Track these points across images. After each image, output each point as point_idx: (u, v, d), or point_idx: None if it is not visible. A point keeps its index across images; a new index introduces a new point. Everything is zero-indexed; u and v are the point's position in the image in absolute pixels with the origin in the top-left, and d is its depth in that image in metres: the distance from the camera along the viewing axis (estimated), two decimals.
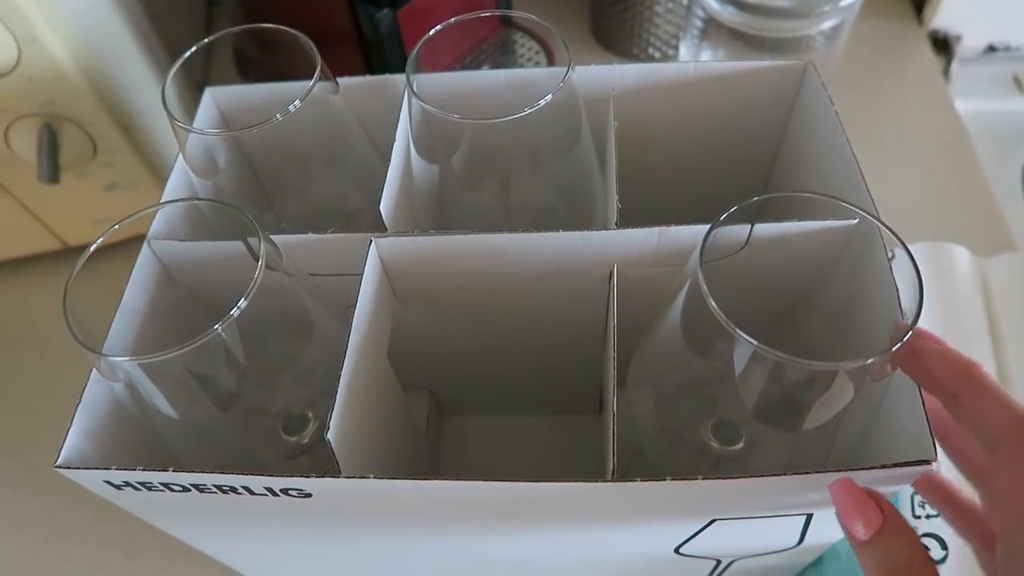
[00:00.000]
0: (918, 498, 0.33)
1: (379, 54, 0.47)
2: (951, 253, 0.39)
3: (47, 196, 0.48)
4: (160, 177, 0.49)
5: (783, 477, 0.23)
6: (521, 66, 0.51)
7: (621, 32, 0.59)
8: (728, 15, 0.47)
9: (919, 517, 0.32)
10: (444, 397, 0.43)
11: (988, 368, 0.36)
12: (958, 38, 0.65)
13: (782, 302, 0.34)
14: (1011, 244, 0.50)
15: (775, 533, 0.29)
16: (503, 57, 0.50)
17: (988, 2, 0.63)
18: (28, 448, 0.47)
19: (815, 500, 0.26)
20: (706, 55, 0.52)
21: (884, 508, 0.22)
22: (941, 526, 0.32)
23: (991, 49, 0.65)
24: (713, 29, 0.50)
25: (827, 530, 0.30)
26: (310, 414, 0.33)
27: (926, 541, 0.32)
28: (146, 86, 0.49)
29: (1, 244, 0.52)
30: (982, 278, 0.39)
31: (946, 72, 0.64)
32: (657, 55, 0.60)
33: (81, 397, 0.27)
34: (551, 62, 0.53)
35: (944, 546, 0.31)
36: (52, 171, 0.44)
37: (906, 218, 0.51)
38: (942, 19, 0.64)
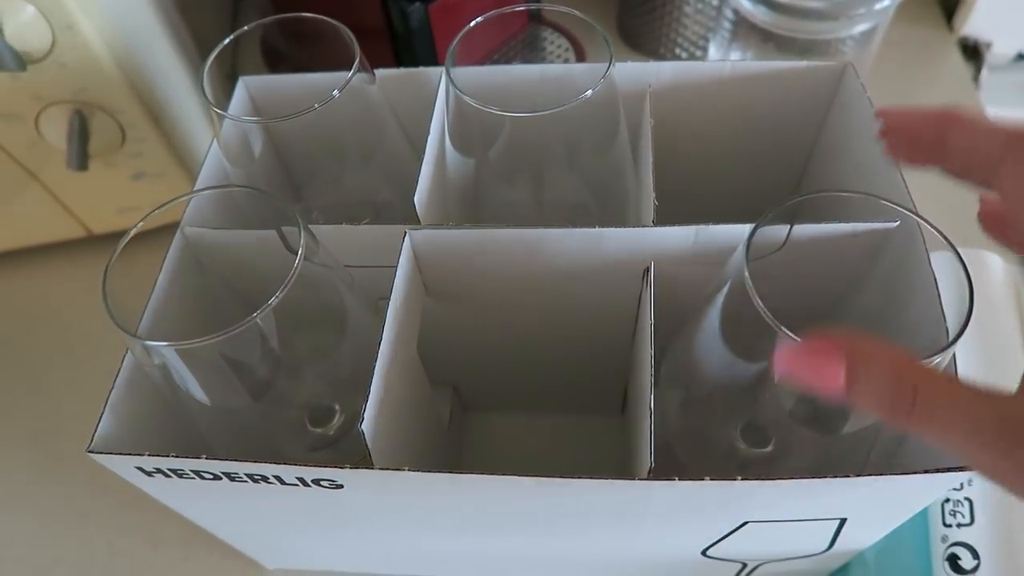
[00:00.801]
0: (948, 506, 0.33)
1: (409, 49, 0.47)
2: (984, 260, 0.38)
3: (74, 184, 0.48)
4: (187, 168, 0.49)
5: (825, 480, 0.23)
6: (552, 63, 0.51)
7: (649, 32, 0.59)
8: (760, 15, 0.47)
9: (949, 526, 0.32)
10: (467, 393, 0.43)
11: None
12: (988, 45, 0.64)
13: (820, 304, 0.34)
14: None
15: (806, 537, 0.29)
16: (532, 54, 0.50)
17: (1019, 10, 0.63)
18: (51, 434, 0.47)
19: (853, 504, 0.25)
20: (735, 56, 0.51)
21: (843, 351, 0.18)
22: (973, 536, 0.31)
23: (1021, 57, 0.65)
24: (743, 30, 0.50)
25: (859, 536, 0.30)
26: (337, 407, 0.33)
27: (957, 551, 0.31)
28: (176, 77, 0.49)
29: (28, 230, 0.52)
30: (1015, 286, 0.38)
31: (976, 79, 0.63)
32: (684, 56, 0.59)
33: (114, 383, 0.27)
34: (580, 59, 0.53)
35: (976, 555, 0.31)
36: (81, 158, 0.44)
37: (937, 225, 0.50)
38: (972, 26, 0.64)
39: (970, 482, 0.33)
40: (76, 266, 0.54)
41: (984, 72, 0.63)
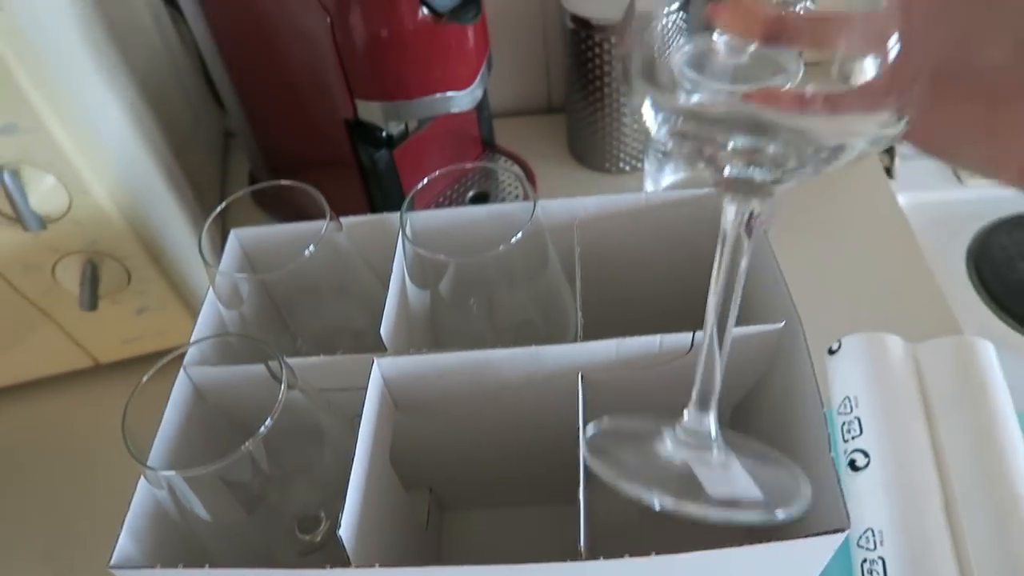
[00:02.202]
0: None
1: (378, 185, 0.54)
2: (884, 342, 0.44)
3: (84, 320, 0.54)
4: (185, 299, 0.55)
5: (727, 550, 0.27)
6: (502, 194, 0.58)
7: (594, 150, 0.66)
8: None
9: (847, 440, 0.37)
10: (443, 494, 0.47)
11: (925, 446, 0.40)
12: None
13: (734, 396, 0.39)
14: (956, 327, 0.55)
15: None
16: (487, 182, 0.57)
17: None
18: (64, 553, 0.50)
19: (760, 571, 0.30)
20: (668, 169, 0.59)
21: None
22: (865, 444, 0.37)
23: None
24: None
25: None
26: (323, 514, 0.37)
27: (855, 457, 0.37)
28: (175, 223, 0.56)
29: (41, 363, 0.57)
30: (915, 362, 0.44)
31: (889, 169, 0.70)
32: (627, 168, 0.66)
33: (130, 504, 0.31)
34: (531, 180, 0.60)
35: (867, 455, 0.36)
36: (92, 300, 0.50)
37: (855, 309, 0.56)
38: None
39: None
40: (84, 394, 0.59)
41: (897, 162, 0.71)
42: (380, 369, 0.35)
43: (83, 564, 0.48)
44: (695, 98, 0.22)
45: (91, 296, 0.50)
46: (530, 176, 0.60)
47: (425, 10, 0.45)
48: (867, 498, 0.39)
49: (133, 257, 0.50)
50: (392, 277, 0.38)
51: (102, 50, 0.52)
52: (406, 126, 0.54)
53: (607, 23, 0.59)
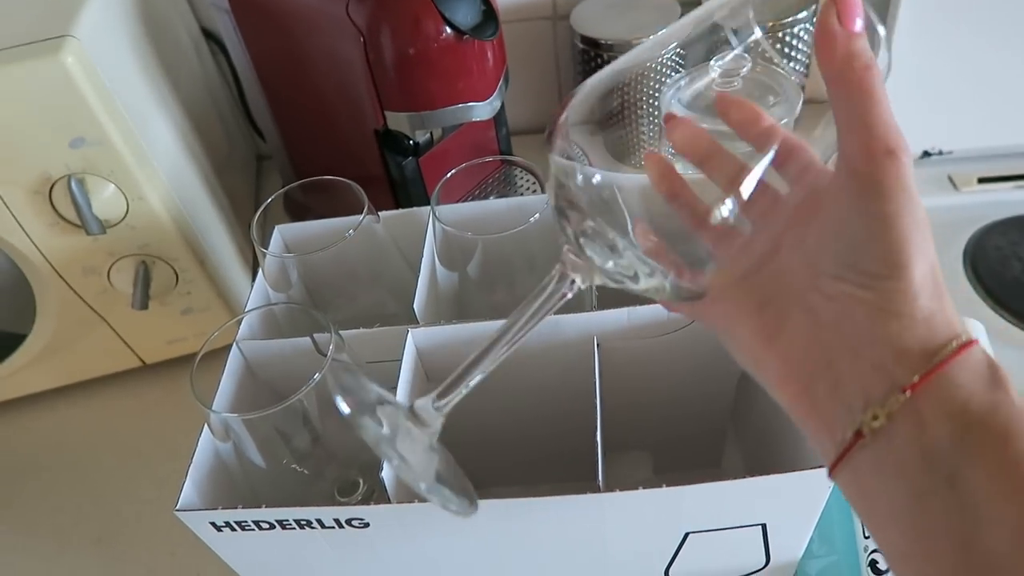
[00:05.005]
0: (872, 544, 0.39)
1: (405, 192, 0.58)
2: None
3: (134, 321, 0.58)
4: (226, 300, 0.59)
5: (729, 482, 0.30)
6: (520, 195, 0.62)
7: (608, 162, 0.71)
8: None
9: (868, 537, 0.39)
10: (469, 470, 0.50)
11: None
12: None
13: (727, 376, 0.42)
14: None
15: (742, 548, 0.36)
16: (507, 188, 0.61)
17: (920, 117, 0.75)
18: (110, 537, 0.54)
19: (761, 505, 0.33)
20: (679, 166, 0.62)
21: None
22: None
23: (927, 154, 0.76)
24: None
25: (786, 544, 0.37)
26: (361, 480, 0.41)
27: (875, 556, 0.38)
28: (216, 229, 0.60)
29: (94, 364, 0.61)
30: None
31: None
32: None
33: (192, 458, 0.35)
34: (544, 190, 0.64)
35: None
36: (144, 300, 0.54)
37: None
38: None
39: None
40: (130, 394, 0.63)
41: None
42: (414, 339, 0.38)
43: (127, 548, 0.52)
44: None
45: (143, 295, 0.54)
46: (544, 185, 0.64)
47: (448, 29, 0.50)
48: None
49: (181, 259, 0.55)
50: (423, 261, 0.42)
51: (154, 78, 0.57)
52: (431, 135, 0.58)
53: (616, 42, 0.64)
